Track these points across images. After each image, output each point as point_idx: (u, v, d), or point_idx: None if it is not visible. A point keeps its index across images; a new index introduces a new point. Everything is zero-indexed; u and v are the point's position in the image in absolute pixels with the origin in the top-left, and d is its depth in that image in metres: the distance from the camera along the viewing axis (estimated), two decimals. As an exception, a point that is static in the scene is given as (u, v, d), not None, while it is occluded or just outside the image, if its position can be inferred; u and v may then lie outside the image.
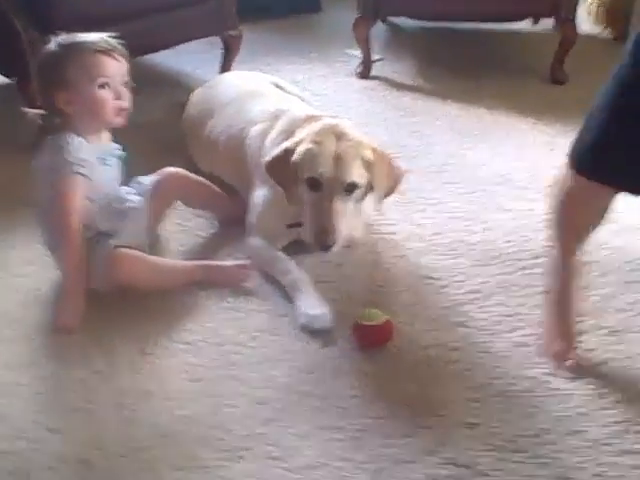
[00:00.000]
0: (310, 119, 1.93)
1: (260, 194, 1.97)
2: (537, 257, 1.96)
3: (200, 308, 1.83)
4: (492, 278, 1.91)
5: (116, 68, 1.79)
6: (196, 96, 2.47)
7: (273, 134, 1.98)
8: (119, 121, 1.83)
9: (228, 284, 1.87)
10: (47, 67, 1.78)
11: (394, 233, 2.11)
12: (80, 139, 1.78)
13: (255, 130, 2.05)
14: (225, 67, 3.08)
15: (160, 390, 1.59)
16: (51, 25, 2.45)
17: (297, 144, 1.82)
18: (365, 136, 1.91)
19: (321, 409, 1.54)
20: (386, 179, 1.86)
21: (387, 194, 1.89)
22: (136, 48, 2.59)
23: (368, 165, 1.80)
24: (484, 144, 2.61)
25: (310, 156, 1.77)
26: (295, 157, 1.79)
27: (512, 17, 3.26)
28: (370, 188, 1.85)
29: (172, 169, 2.05)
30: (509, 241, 2.06)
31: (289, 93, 2.38)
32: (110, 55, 1.78)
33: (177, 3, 2.80)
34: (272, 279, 1.90)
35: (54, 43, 1.79)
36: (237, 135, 2.11)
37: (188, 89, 2.66)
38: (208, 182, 2.10)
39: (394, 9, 3.16)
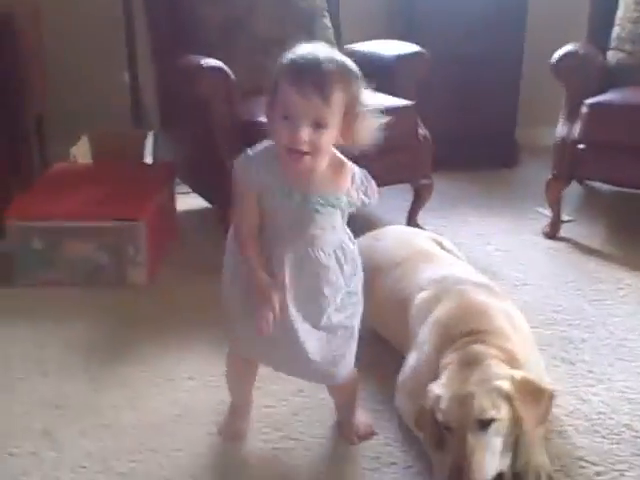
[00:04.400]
0: (467, 339, 1.78)
1: (412, 357, 1.94)
2: None
3: (342, 458, 1.83)
4: (656, 474, 1.74)
5: (298, 106, 1.46)
6: (361, 245, 2.38)
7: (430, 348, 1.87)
8: (292, 166, 1.53)
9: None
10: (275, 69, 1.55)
11: (557, 406, 1.99)
12: (267, 155, 1.57)
13: (420, 300, 2.03)
14: (413, 214, 3.16)
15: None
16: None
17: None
18: (507, 359, 1.74)
19: None
20: (532, 408, 1.68)
21: (538, 422, 1.71)
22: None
23: (506, 396, 1.65)
24: (670, 321, 2.44)
25: (437, 401, 1.68)
26: (427, 404, 1.70)
27: None
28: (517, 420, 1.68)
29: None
30: (681, 435, 1.87)
31: (449, 252, 2.37)
32: (298, 90, 1.46)
33: (375, 152, 2.94)
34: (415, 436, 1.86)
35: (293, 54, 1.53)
36: (403, 299, 2.09)
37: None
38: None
39: (588, 173, 3.11)
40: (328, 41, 3.29)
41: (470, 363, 1.70)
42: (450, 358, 1.74)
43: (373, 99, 3.03)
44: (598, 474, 1.75)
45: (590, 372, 2.16)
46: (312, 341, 1.67)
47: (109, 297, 2.61)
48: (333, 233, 1.66)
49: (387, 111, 2.83)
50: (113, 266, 2.69)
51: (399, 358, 2.02)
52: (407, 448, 1.84)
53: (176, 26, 3.12)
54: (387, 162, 2.98)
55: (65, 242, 2.67)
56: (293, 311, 1.64)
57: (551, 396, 1.73)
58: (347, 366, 1.76)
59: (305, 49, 1.50)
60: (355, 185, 1.64)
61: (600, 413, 1.97)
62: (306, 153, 1.49)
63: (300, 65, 1.48)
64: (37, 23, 3.39)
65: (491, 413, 1.62)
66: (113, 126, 3.51)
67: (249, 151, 1.59)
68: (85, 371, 2.17)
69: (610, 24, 3.29)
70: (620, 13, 3.27)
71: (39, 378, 2.13)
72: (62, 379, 2.13)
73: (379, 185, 3.05)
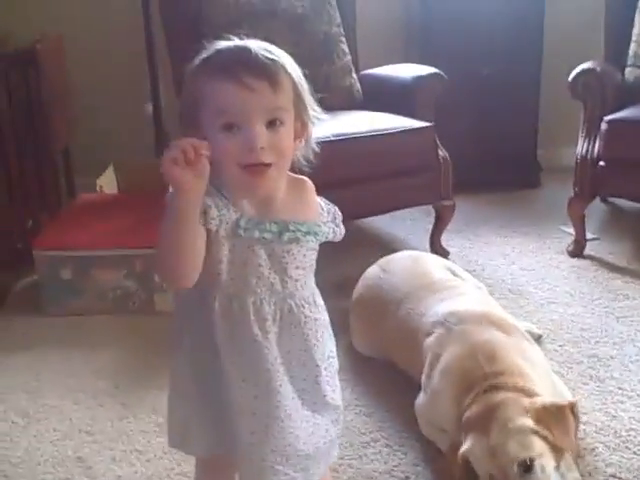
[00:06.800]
0: (487, 387, 1.76)
1: (427, 400, 1.94)
2: None
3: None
4: (688, 490, 1.72)
5: (244, 104, 1.10)
6: (368, 278, 2.41)
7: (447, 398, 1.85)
8: (252, 186, 1.16)
9: None
10: (183, 95, 1.20)
11: (586, 423, 1.99)
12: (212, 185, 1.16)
13: (427, 344, 2.01)
14: (435, 235, 3.17)
15: None
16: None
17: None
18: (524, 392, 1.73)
19: None
20: (560, 428, 1.68)
21: (573, 438, 1.71)
22: (355, 212, 2.75)
23: (532, 431, 1.65)
24: (700, 338, 2.42)
25: (470, 462, 1.68)
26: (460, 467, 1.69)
27: None
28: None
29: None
30: None
31: (460, 277, 2.37)
32: (237, 83, 1.10)
33: (396, 173, 2.96)
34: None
35: (207, 52, 1.18)
36: (413, 337, 2.08)
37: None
38: None
39: (610, 190, 3.11)
40: (346, 67, 3.34)
41: (490, 414, 1.69)
42: (471, 412, 1.74)
43: (392, 121, 3.06)
44: (631, 490, 1.74)
45: (619, 389, 2.14)
46: (303, 426, 1.27)
47: (138, 324, 2.64)
48: (311, 278, 1.28)
49: (406, 132, 2.94)
50: (141, 293, 2.73)
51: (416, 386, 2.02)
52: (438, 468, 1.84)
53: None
54: (407, 184, 3.02)
55: (93, 271, 2.71)
56: (287, 388, 1.24)
57: (573, 406, 1.74)
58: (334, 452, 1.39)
59: (219, 44, 1.18)
60: (324, 209, 1.29)
61: (631, 429, 1.96)
62: (268, 164, 1.13)
63: (230, 54, 1.14)
64: (60, 57, 3.47)
65: (525, 454, 1.61)
66: (138, 156, 3.56)
67: None
68: (116, 398, 2.20)
69: (627, 42, 3.30)
70: (636, 30, 3.28)
71: (71, 405, 2.17)
72: (93, 406, 2.16)
73: (402, 207, 3.12)
